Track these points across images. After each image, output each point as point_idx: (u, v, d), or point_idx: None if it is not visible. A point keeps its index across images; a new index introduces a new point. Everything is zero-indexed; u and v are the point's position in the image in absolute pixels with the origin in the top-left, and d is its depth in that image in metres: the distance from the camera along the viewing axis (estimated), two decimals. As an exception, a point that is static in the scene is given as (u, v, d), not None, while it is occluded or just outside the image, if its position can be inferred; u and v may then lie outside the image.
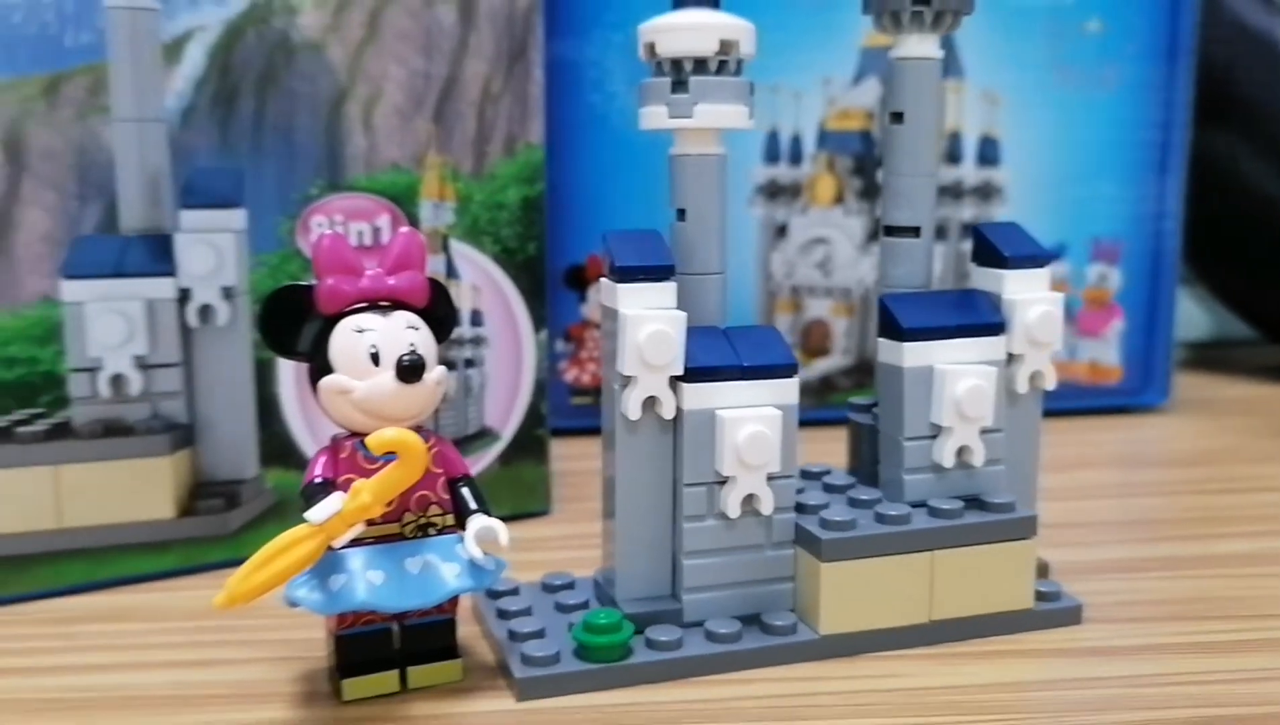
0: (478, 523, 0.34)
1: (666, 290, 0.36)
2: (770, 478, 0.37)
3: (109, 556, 0.42)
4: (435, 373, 0.34)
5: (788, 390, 0.37)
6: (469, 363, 0.49)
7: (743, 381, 0.37)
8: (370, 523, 0.33)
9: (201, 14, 0.42)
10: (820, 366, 0.66)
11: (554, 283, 0.63)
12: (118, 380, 0.42)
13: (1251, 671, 0.36)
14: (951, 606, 0.38)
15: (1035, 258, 0.40)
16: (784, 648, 0.37)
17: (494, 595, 0.39)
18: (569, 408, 0.64)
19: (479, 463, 0.49)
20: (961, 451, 0.39)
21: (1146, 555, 0.46)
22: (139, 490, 0.43)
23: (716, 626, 0.36)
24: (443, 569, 0.34)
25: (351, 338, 0.33)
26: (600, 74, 0.62)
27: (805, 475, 0.42)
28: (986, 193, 0.66)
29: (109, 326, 0.41)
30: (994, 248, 0.40)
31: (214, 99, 0.42)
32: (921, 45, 0.40)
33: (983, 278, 0.41)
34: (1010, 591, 0.38)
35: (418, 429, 0.34)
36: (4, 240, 0.40)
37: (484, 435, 0.49)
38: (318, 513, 0.31)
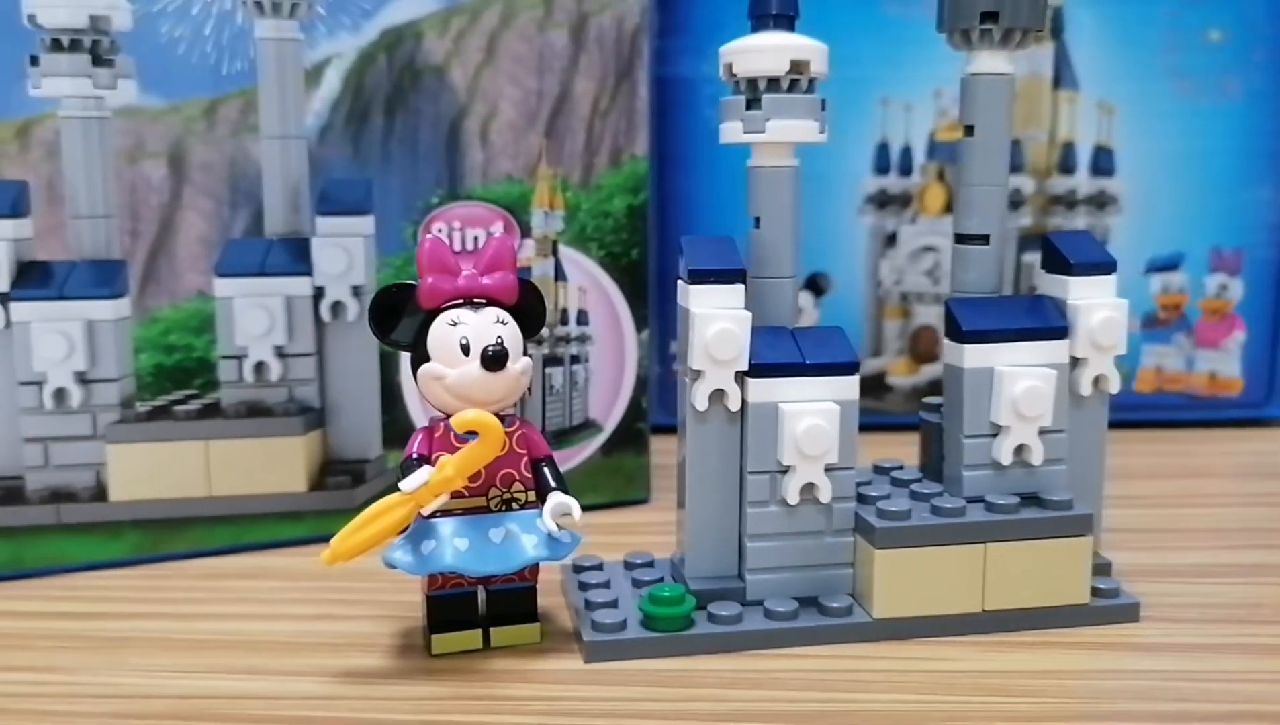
0: (554, 499, 0.38)
1: (735, 292, 0.39)
2: (829, 468, 0.39)
3: (249, 523, 0.48)
4: (520, 363, 0.38)
5: (848, 387, 0.39)
6: (574, 359, 0.53)
7: (805, 377, 0.39)
8: (458, 495, 0.37)
9: (338, 42, 0.47)
10: (928, 371, 0.68)
11: (669, 287, 0.67)
12: (260, 367, 0.48)
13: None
14: (1004, 598, 0.40)
15: (1100, 265, 0.41)
16: (837, 628, 0.39)
17: (578, 570, 0.43)
18: (682, 405, 0.68)
19: (582, 452, 0.53)
20: (1020, 450, 0.40)
21: (1226, 562, 0.47)
22: (276, 466, 0.48)
23: (775, 605, 0.39)
24: (522, 539, 0.38)
25: (446, 330, 0.37)
26: (715, 90, 0.65)
27: (877, 470, 0.45)
28: (1101, 202, 0.66)
29: (254, 319, 0.47)
30: (1061, 255, 0.42)
31: (347, 118, 0.48)
32: (992, 61, 0.42)
33: (1050, 284, 0.42)
34: (1064, 586, 0.40)
35: (502, 414, 0.38)
36: (167, 242, 0.46)
37: (588, 427, 0.53)
38: (409, 483, 0.36)
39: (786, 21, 0.40)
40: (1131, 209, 0.66)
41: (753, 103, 0.40)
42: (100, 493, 0.46)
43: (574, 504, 0.38)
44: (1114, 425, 0.70)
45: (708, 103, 0.65)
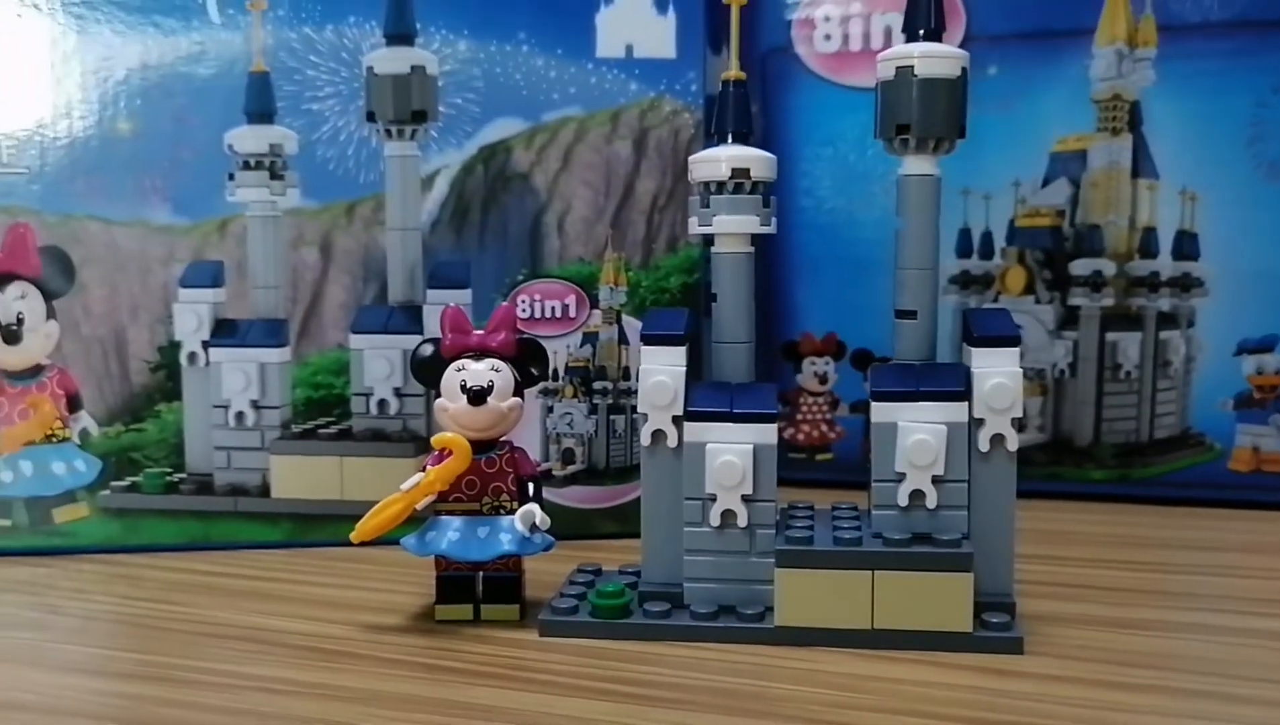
0: (524, 508, 0.49)
1: (676, 353, 0.49)
2: (745, 498, 0.48)
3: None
4: (508, 401, 0.50)
5: (766, 432, 0.48)
6: (634, 409, 0.63)
7: (729, 423, 0.48)
8: (458, 499, 0.50)
9: (446, 156, 0.62)
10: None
11: (772, 355, 0.76)
12: (382, 403, 0.62)
13: (1148, 709, 0.41)
14: (891, 619, 0.46)
15: (1001, 338, 0.47)
16: (745, 630, 0.47)
17: (579, 571, 0.54)
18: (787, 461, 0.76)
19: (629, 492, 0.63)
20: (915, 494, 0.47)
21: (1164, 619, 0.50)
22: (392, 478, 0.62)
23: (699, 607, 0.48)
24: (501, 536, 0.49)
25: (452, 374, 0.50)
26: (811, 182, 0.74)
27: (836, 508, 0.52)
28: (1186, 285, 0.69)
29: (378, 366, 0.62)
30: (968, 328, 0.48)
31: (452, 214, 0.62)
32: (917, 164, 0.49)
33: (966, 353, 0.49)
34: (947, 614, 0.46)
35: (497, 440, 0.50)
36: (316, 306, 0.62)
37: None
38: (406, 484, 0.48)
39: (741, 137, 0.50)
40: (1219, 291, 0.68)
41: (704, 201, 0.50)
42: (265, 490, 0.62)
43: (537, 512, 0.49)
44: (1209, 503, 0.73)
45: (804, 193, 0.74)
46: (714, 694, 0.43)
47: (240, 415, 0.62)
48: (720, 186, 0.49)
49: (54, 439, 0.61)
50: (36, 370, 0.61)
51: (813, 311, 0.75)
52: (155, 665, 0.46)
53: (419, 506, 0.49)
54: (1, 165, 0.59)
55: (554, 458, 0.63)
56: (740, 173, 0.49)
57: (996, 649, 0.46)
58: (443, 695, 0.43)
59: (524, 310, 0.62)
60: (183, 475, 0.62)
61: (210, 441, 0.62)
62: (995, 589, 0.48)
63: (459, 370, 0.50)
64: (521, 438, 0.62)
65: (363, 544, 0.50)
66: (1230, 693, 0.42)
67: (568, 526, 0.63)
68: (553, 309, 0.62)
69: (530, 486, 0.50)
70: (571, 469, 0.63)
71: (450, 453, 0.48)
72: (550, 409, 0.63)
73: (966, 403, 0.47)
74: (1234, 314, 0.68)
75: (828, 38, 0.72)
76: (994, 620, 0.47)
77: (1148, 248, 0.69)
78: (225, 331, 0.61)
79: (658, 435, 0.49)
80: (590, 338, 0.62)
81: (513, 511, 0.50)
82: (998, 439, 0.47)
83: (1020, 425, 0.47)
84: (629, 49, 0.62)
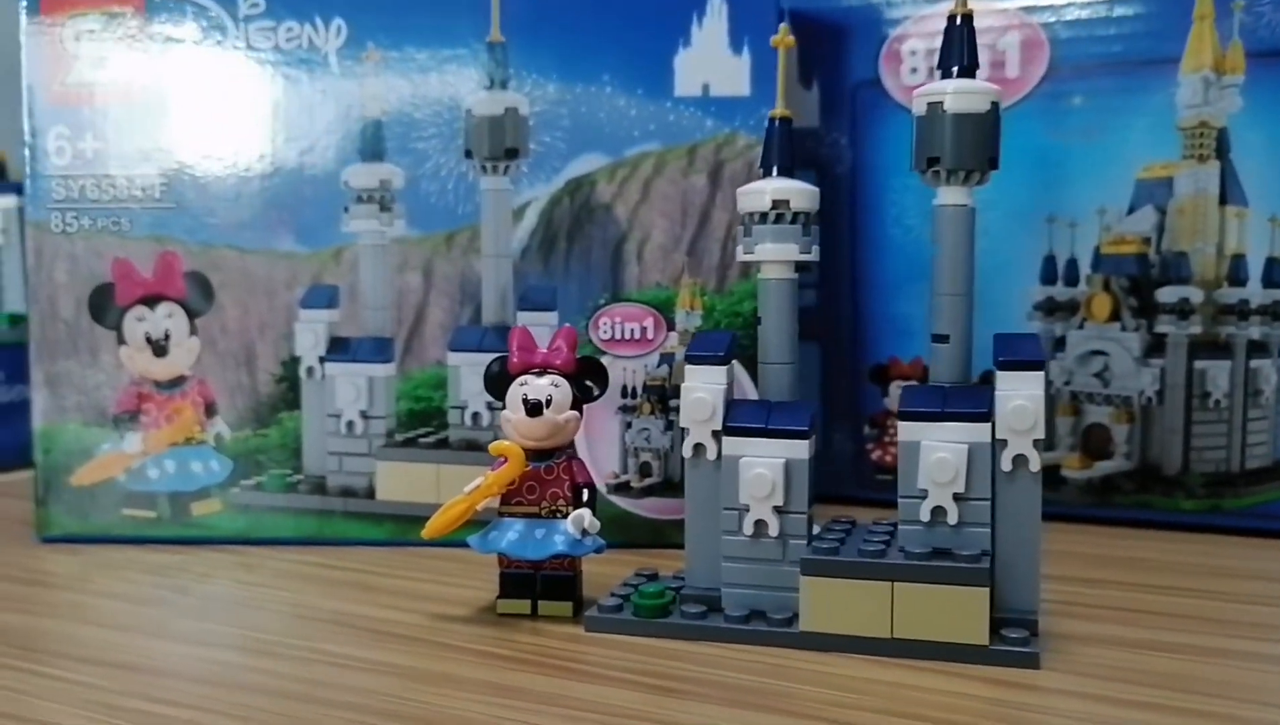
0: (575, 513, 0.54)
1: (718, 372, 0.53)
2: (777, 509, 0.51)
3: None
4: (564, 414, 0.54)
5: (798, 448, 0.51)
6: (708, 426, 0.67)
7: (764, 438, 0.51)
8: (519, 503, 0.54)
9: (535, 190, 0.67)
10: (1102, 467, 0.72)
11: (860, 379, 0.78)
12: (476, 416, 0.68)
13: None
14: (910, 629, 0.48)
15: (1026, 362, 0.49)
16: (772, 634, 0.50)
17: (637, 575, 0.58)
18: (875, 482, 0.78)
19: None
20: (936, 511, 0.49)
21: (1183, 643, 0.50)
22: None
23: (733, 610, 0.51)
24: (555, 538, 0.54)
25: (516, 389, 0.55)
26: (899, 211, 0.76)
27: (875, 524, 0.55)
28: (1276, 313, 0.68)
29: (474, 382, 0.67)
30: (997, 353, 0.50)
31: (541, 242, 0.67)
32: (950, 195, 0.51)
33: (997, 377, 0.50)
34: (964, 627, 0.48)
35: (557, 449, 0.54)
36: (419, 327, 0.68)
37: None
38: (468, 487, 0.53)
39: (785, 170, 0.53)
40: (1313, 319, 0.67)
41: (746, 232, 0.53)
42: (371, 493, 0.69)
43: (587, 515, 0.53)
44: None
45: (893, 222, 0.76)
46: (735, 690, 0.46)
47: (350, 424, 0.68)
48: (763, 217, 0.53)
49: (193, 441, 0.69)
50: (180, 380, 0.69)
51: (901, 336, 0.77)
52: (251, 639, 0.53)
53: (480, 508, 0.54)
54: (155, 201, 0.68)
55: (632, 471, 0.68)
56: (781, 204, 0.52)
57: (1011, 662, 0.47)
58: (484, 677, 0.48)
59: (605, 332, 0.66)
60: (300, 477, 0.69)
61: (325, 447, 0.69)
62: (1018, 606, 0.49)
63: (522, 385, 0.55)
64: (602, 451, 0.68)
65: (437, 542, 0.55)
66: (1234, 714, 0.43)
67: (641, 535, 0.67)
68: (632, 331, 0.67)
69: (584, 493, 0.55)
70: (648, 482, 0.67)
71: (506, 460, 0.53)
72: (629, 425, 0.67)
73: (989, 424, 0.49)
74: (1329, 341, 0.67)
75: (914, 71, 0.74)
76: (1012, 635, 0.48)
77: (1236, 275, 0.68)
78: (339, 348, 0.68)
79: (699, 448, 0.53)
80: (667, 358, 0.66)
81: (568, 515, 0.54)
82: (1020, 459, 0.49)
83: (1049, 444, 0.48)
84: (705, 88, 0.66)
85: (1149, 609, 0.55)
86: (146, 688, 0.47)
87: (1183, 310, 0.69)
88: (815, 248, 0.53)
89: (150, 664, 0.50)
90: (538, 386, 0.54)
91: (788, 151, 0.54)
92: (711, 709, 0.45)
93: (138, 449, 0.69)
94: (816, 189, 0.53)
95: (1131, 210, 0.70)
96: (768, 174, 0.54)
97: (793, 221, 0.53)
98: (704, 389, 0.52)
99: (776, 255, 0.53)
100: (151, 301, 0.68)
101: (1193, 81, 0.68)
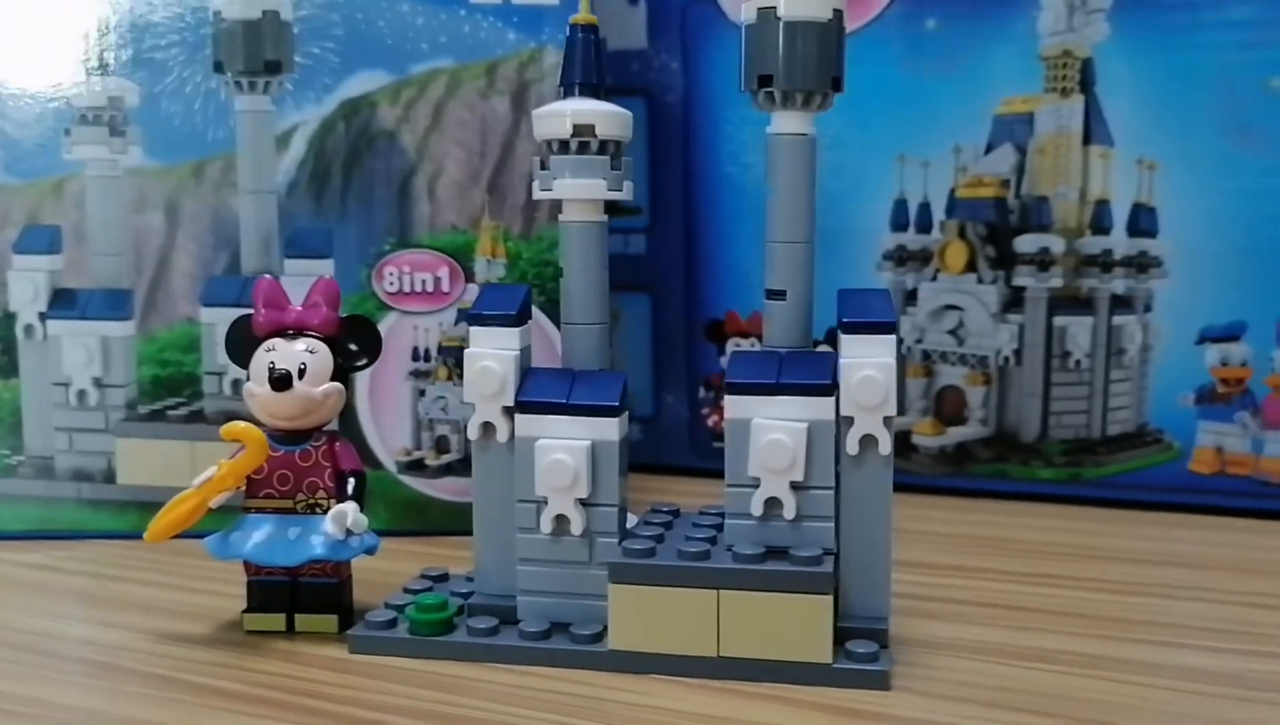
0: (335, 508, 0.43)
1: (510, 335, 0.43)
2: (582, 502, 0.42)
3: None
4: (321, 387, 0.44)
5: (606, 428, 0.42)
6: (514, 394, 0.57)
7: (565, 416, 0.42)
8: (266, 496, 0.44)
9: (303, 112, 0.56)
10: (956, 433, 0.66)
11: (695, 335, 0.70)
12: (237, 383, 0.57)
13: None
14: (740, 646, 0.40)
15: (875, 324, 0.41)
16: (578, 654, 0.41)
17: (421, 577, 0.48)
18: (711, 450, 0.70)
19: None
20: (770, 503, 0.41)
21: (1072, 650, 0.43)
22: (247, 467, 0.57)
23: (530, 624, 0.42)
24: (311, 539, 0.44)
25: (261, 355, 0.44)
26: (736, 146, 0.68)
27: (703, 512, 0.46)
28: (1142, 265, 0.62)
29: (232, 343, 0.56)
30: (841, 313, 0.42)
31: (311, 176, 0.56)
32: (787, 121, 0.42)
33: (841, 342, 0.42)
34: (804, 643, 0.40)
35: (315, 430, 0.44)
36: (163, 276, 0.56)
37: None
38: (195, 480, 0.43)
39: (589, 89, 0.44)
40: (1179, 273, 0.61)
41: (544, 163, 0.44)
42: (110, 476, 0.57)
43: (351, 509, 0.43)
44: (1167, 507, 0.66)
45: (729, 160, 0.68)
46: (526, 729, 0.37)
47: (82, 394, 0.57)
48: (564, 146, 0.43)
49: (-119, 417, 0.57)
50: None
51: (739, 288, 0.68)
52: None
53: (214, 503, 0.43)
54: None
55: (426, 446, 0.58)
56: (584, 130, 0.43)
57: (857, 684, 0.40)
58: (175, 721, 0.38)
59: (392, 283, 0.56)
60: (21, 458, 0.57)
61: (51, 422, 0.57)
62: (866, 612, 0.42)
63: (269, 351, 0.44)
64: (390, 423, 0.58)
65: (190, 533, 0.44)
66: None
67: (438, 521, 0.57)
68: (423, 282, 0.56)
69: (350, 483, 0.45)
70: (446, 459, 0.58)
71: (244, 446, 0.43)
72: (422, 393, 0.57)
73: (832, 398, 0.41)
74: (1196, 298, 0.61)
75: (753, -15, 0.65)
76: (859, 650, 0.40)
77: (1100, 223, 0.62)
78: (64, 302, 0.56)
79: (487, 428, 0.43)
80: (465, 314, 0.57)
81: (329, 510, 0.44)
82: (869, 441, 0.41)
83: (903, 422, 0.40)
84: (507, -7, 0.56)
85: (1016, 604, 0.48)
86: None
87: (1043, 261, 0.63)
88: (628, 185, 0.44)
89: None
90: (289, 353, 0.44)
91: (594, 66, 0.44)
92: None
93: None
94: (629, 113, 0.44)
95: (989, 149, 0.63)
96: (569, 94, 0.44)
97: (600, 152, 0.43)
98: (492, 356, 0.43)
99: (579, 192, 0.43)
100: None
101: (1055, 5, 0.61)
